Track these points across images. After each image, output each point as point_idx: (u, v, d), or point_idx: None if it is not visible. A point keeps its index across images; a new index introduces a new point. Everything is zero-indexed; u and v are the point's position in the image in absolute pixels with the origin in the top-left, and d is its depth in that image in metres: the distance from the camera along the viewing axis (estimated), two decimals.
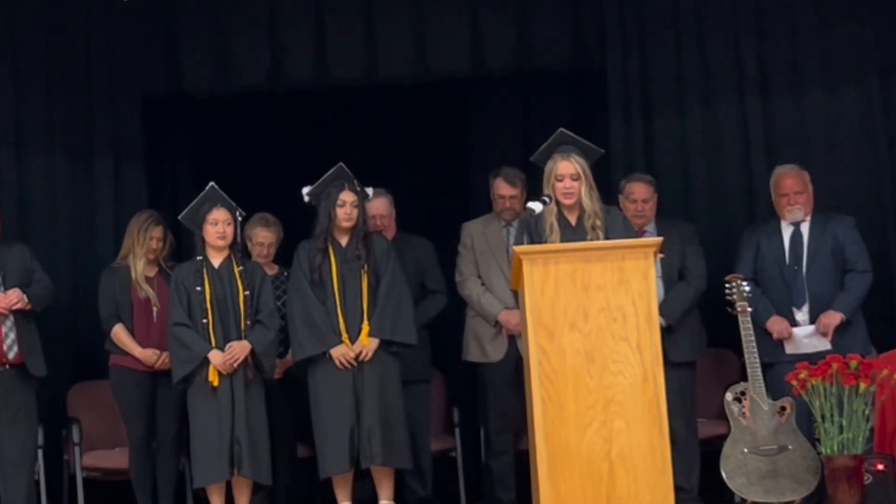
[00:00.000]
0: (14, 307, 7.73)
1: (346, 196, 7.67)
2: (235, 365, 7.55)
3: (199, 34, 9.08)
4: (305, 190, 7.76)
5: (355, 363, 7.55)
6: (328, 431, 7.55)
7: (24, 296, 7.77)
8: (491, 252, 8.11)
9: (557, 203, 7.10)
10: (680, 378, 7.80)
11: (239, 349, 7.57)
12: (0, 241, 7.94)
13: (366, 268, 7.65)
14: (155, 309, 8.05)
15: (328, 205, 7.68)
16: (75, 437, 8.27)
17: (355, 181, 7.71)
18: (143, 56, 9.03)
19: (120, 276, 8.09)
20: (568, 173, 7.11)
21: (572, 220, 7.12)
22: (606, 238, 6.99)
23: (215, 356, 7.55)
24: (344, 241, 7.70)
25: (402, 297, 7.70)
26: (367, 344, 7.57)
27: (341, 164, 7.72)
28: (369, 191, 7.86)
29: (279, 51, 9.06)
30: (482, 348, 8.14)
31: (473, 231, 8.24)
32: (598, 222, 7.07)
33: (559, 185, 7.11)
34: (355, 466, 7.55)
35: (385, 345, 7.61)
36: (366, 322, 7.60)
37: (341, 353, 7.56)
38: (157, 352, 7.99)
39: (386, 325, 7.61)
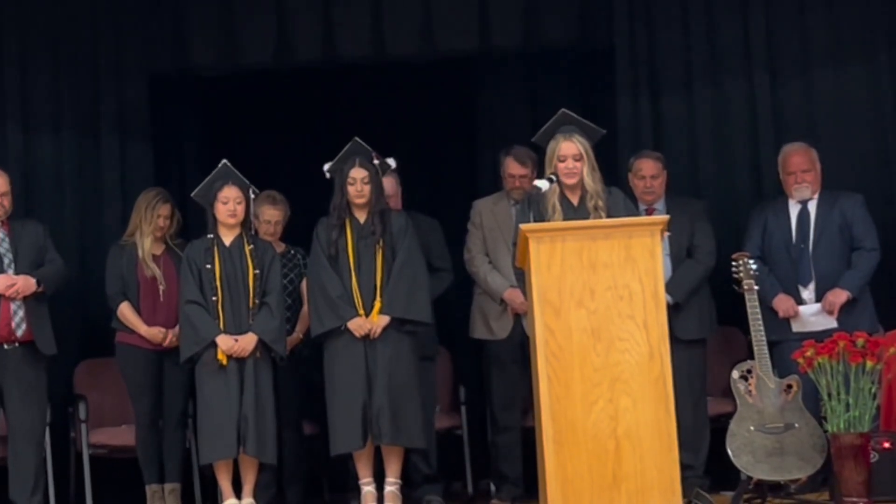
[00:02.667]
0: (19, 297, 7.71)
1: (356, 173, 7.64)
2: (244, 356, 7.57)
3: (207, 12, 9.06)
4: (326, 166, 7.73)
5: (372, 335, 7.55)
6: (340, 408, 7.53)
7: (33, 282, 7.73)
8: (499, 229, 8.10)
9: (559, 183, 7.09)
10: (689, 356, 7.81)
11: (246, 344, 7.55)
12: (14, 219, 7.92)
13: (381, 243, 7.63)
14: (161, 287, 8.05)
15: (341, 181, 7.66)
16: (82, 414, 8.29)
17: (373, 154, 7.68)
18: (150, 33, 9.02)
19: (127, 254, 8.08)
20: (570, 154, 7.10)
21: (574, 200, 7.12)
22: (609, 218, 6.98)
23: (223, 341, 7.53)
24: (362, 217, 7.68)
25: (416, 275, 7.67)
26: (378, 321, 7.57)
27: (356, 138, 7.69)
28: (391, 161, 7.80)
29: (286, 28, 9.04)
30: (488, 325, 8.14)
31: (483, 208, 8.24)
32: (601, 203, 7.07)
33: (561, 165, 7.10)
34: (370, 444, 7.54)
35: (398, 323, 7.60)
36: (378, 298, 7.60)
37: (358, 324, 7.55)
38: (164, 330, 7.99)
39: (399, 302, 7.59)
